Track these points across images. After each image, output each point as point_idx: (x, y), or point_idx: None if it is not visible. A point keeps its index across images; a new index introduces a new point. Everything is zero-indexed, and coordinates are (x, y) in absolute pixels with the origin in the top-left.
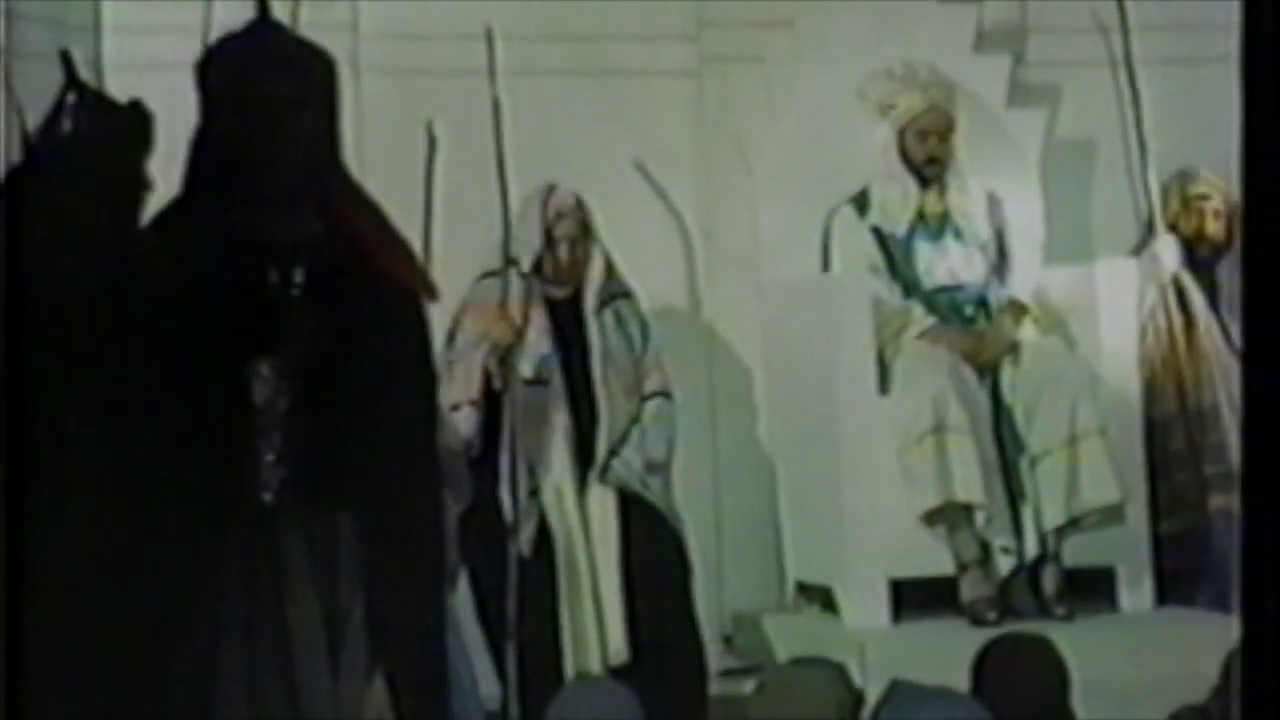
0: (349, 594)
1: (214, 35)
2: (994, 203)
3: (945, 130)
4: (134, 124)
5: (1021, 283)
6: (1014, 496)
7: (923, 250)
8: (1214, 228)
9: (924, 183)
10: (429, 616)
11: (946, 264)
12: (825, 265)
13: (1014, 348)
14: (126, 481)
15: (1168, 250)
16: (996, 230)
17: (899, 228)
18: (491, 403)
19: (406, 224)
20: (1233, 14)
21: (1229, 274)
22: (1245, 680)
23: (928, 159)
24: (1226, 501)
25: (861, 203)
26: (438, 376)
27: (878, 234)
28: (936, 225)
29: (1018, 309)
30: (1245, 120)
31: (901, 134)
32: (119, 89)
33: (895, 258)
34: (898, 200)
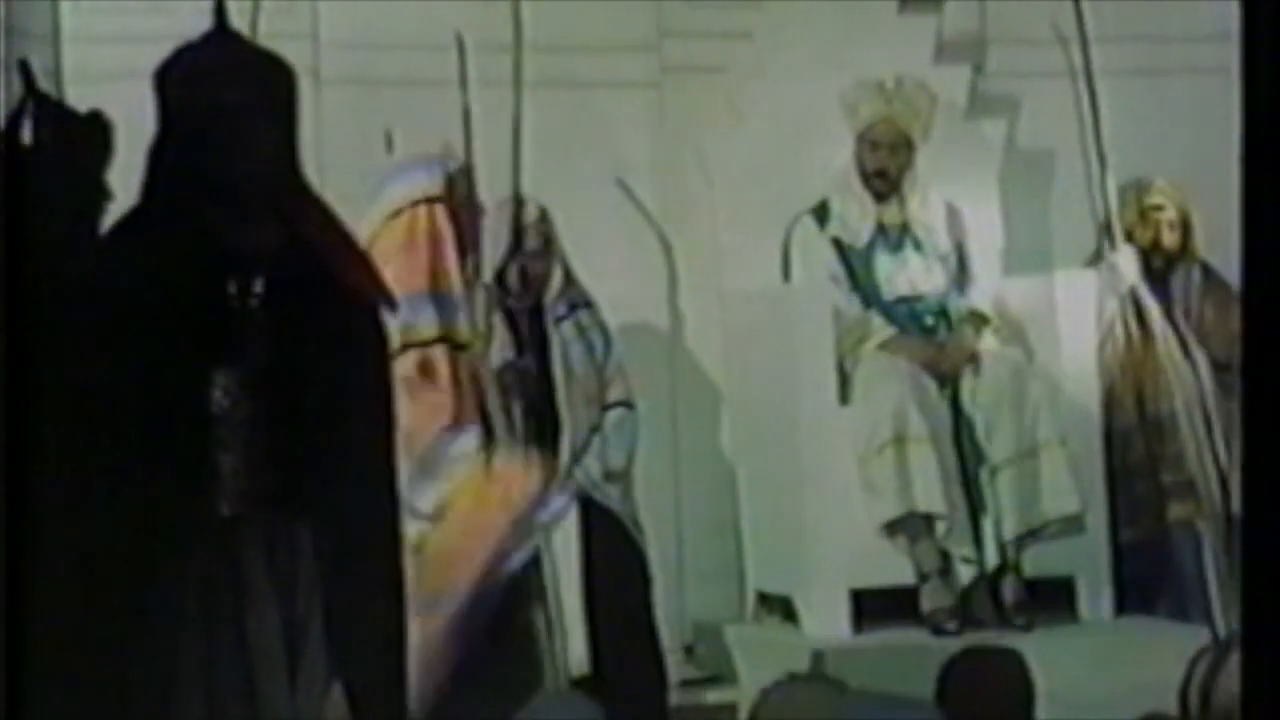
0: (308, 605)
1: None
2: (954, 214)
3: (895, 143)
4: (93, 134)
5: (981, 293)
6: (974, 507)
7: (882, 261)
8: (1169, 238)
9: (876, 196)
10: (387, 627)
11: (906, 275)
12: (786, 275)
13: (974, 358)
14: (84, 492)
15: (1126, 262)
16: (956, 241)
17: (859, 238)
18: None
19: (365, 236)
20: (1191, 25)
21: (1183, 284)
22: (1245, 685)
23: (876, 171)
24: (1185, 511)
25: (822, 213)
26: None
27: (838, 245)
28: (896, 236)
29: (978, 319)
30: (1245, 125)
31: (859, 142)
32: (79, 99)
33: (855, 268)
34: (856, 211)
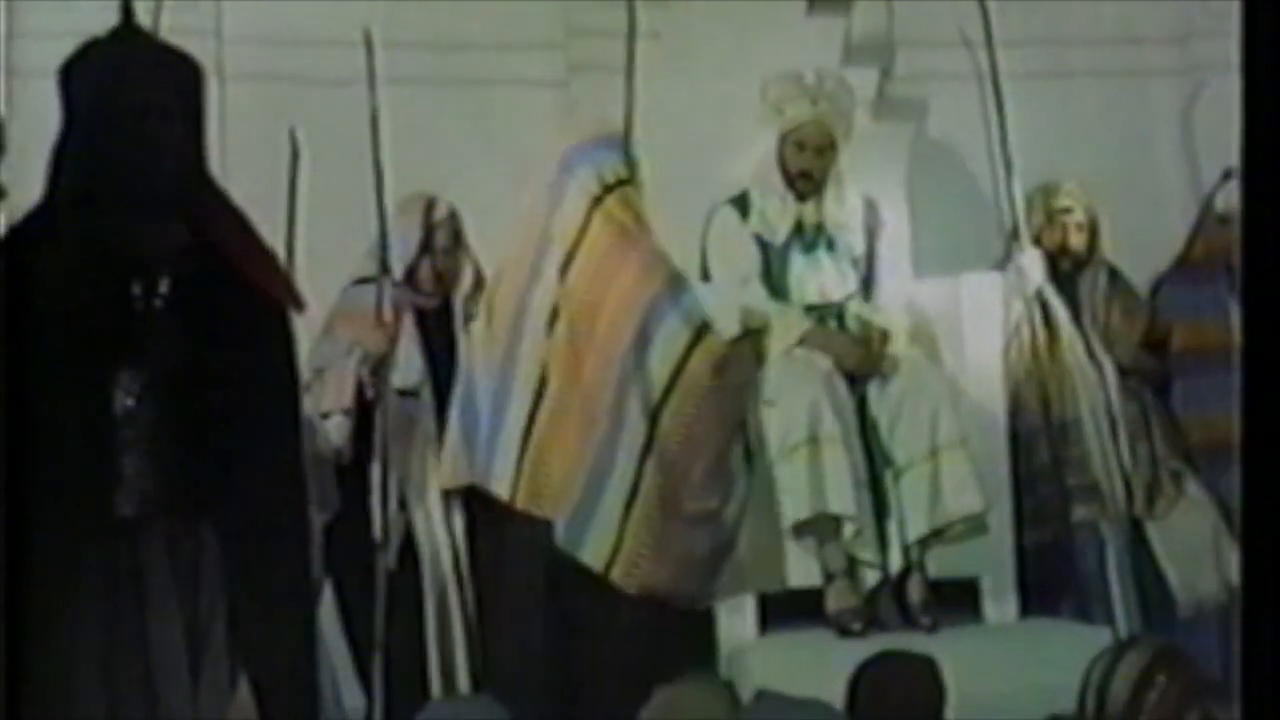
0: (211, 607)
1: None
2: (870, 214)
3: (822, 145)
4: None
5: (891, 300)
6: (880, 510)
7: (796, 262)
8: (1076, 240)
9: (798, 196)
10: (294, 627)
11: (818, 280)
12: (704, 265)
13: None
14: None
15: (1032, 264)
16: (870, 244)
17: (777, 236)
18: (363, 412)
19: (271, 232)
20: (1096, 29)
21: (1090, 286)
22: (1245, 685)
23: (800, 172)
24: (1089, 513)
25: (742, 205)
26: (302, 387)
27: (759, 241)
28: (811, 237)
29: (884, 333)
30: (1245, 126)
31: (783, 141)
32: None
33: (772, 267)
34: (776, 208)
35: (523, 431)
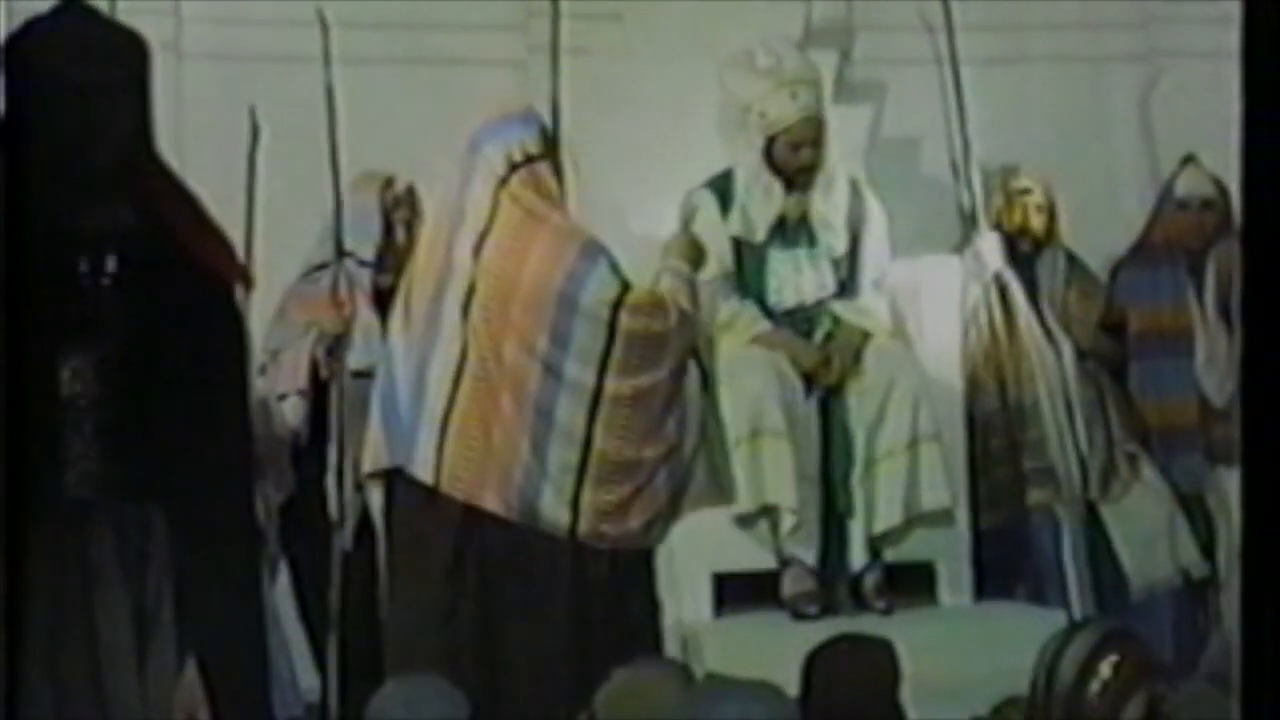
0: (158, 589)
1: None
2: (856, 197)
3: (816, 138)
4: None
5: (870, 298)
6: (841, 507)
7: (775, 262)
8: (1037, 222)
9: (790, 186)
10: (244, 609)
11: (796, 282)
12: None
13: (857, 358)
14: None
15: (990, 248)
16: (854, 236)
17: (757, 234)
18: (319, 393)
19: (228, 213)
20: (1054, 14)
21: (1049, 270)
22: (1245, 679)
23: (800, 169)
24: (1044, 496)
25: (724, 191)
26: (253, 367)
27: (736, 243)
28: (794, 232)
29: (864, 329)
30: (1245, 116)
31: (771, 143)
32: None
33: (747, 268)
34: (759, 202)
35: (443, 414)
